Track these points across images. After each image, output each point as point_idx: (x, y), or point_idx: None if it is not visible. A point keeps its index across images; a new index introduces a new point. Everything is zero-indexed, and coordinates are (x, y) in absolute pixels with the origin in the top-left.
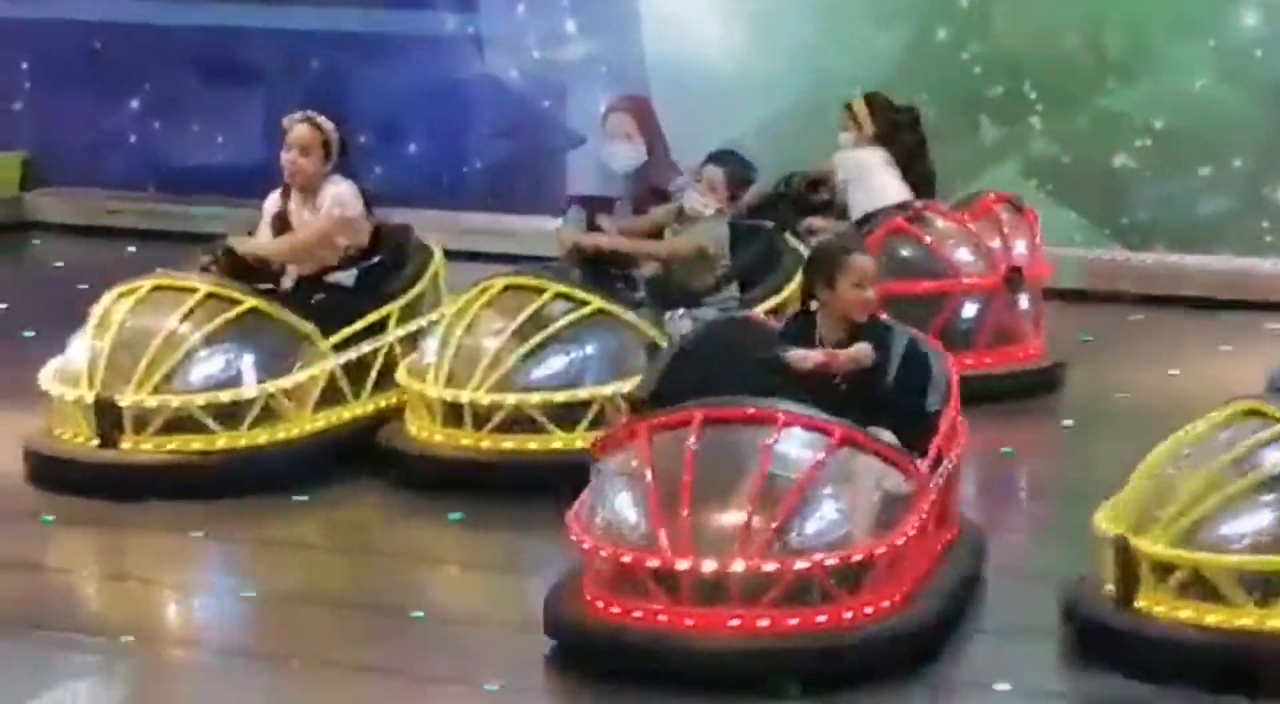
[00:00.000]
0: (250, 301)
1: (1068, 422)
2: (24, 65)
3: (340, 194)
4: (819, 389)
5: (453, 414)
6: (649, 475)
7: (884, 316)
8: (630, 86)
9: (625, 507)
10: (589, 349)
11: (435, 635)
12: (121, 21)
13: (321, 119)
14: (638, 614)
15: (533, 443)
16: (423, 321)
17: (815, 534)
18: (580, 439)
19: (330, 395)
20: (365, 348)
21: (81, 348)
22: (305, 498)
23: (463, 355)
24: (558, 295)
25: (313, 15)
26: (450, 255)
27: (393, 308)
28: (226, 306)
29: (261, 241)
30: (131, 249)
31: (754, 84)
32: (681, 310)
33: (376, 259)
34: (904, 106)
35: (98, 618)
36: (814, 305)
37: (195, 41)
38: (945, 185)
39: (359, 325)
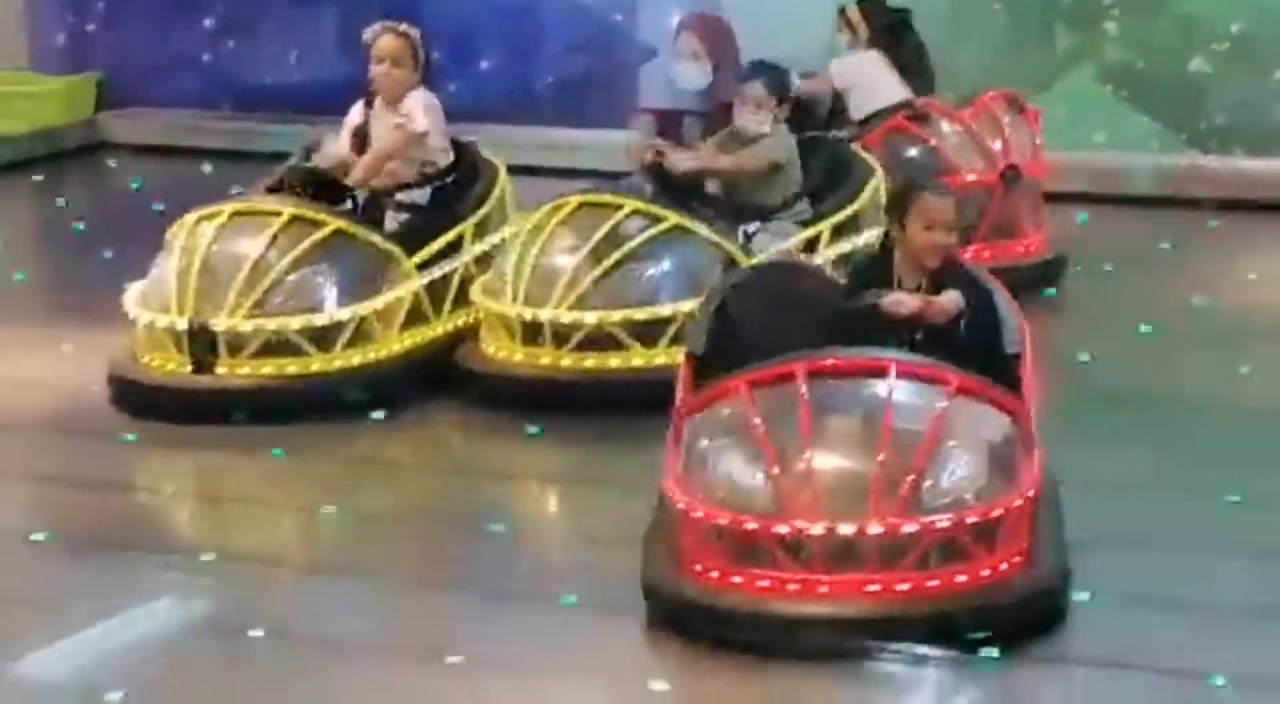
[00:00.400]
0: (335, 223)
1: (1145, 328)
2: None
3: (412, 107)
4: (896, 336)
5: (531, 333)
6: (761, 434)
7: (963, 259)
8: (702, 2)
9: (736, 469)
10: (667, 265)
11: (514, 550)
12: None
13: (406, 27)
14: (763, 582)
15: (614, 360)
16: (495, 239)
17: (949, 489)
18: (662, 355)
19: (414, 315)
20: (446, 267)
21: (167, 273)
22: (386, 417)
23: (540, 274)
24: (634, 212)
25: None
26: (523, 171)
27: (466, 226)
28: (311, 229)
29: (340, 158)
30: (207, 168)
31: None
32: (756, 224)
33: (450, 177)
34: (898, 7)
35: (181, 536)
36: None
37: None
38: (1021, 90)
39: (437, 244)
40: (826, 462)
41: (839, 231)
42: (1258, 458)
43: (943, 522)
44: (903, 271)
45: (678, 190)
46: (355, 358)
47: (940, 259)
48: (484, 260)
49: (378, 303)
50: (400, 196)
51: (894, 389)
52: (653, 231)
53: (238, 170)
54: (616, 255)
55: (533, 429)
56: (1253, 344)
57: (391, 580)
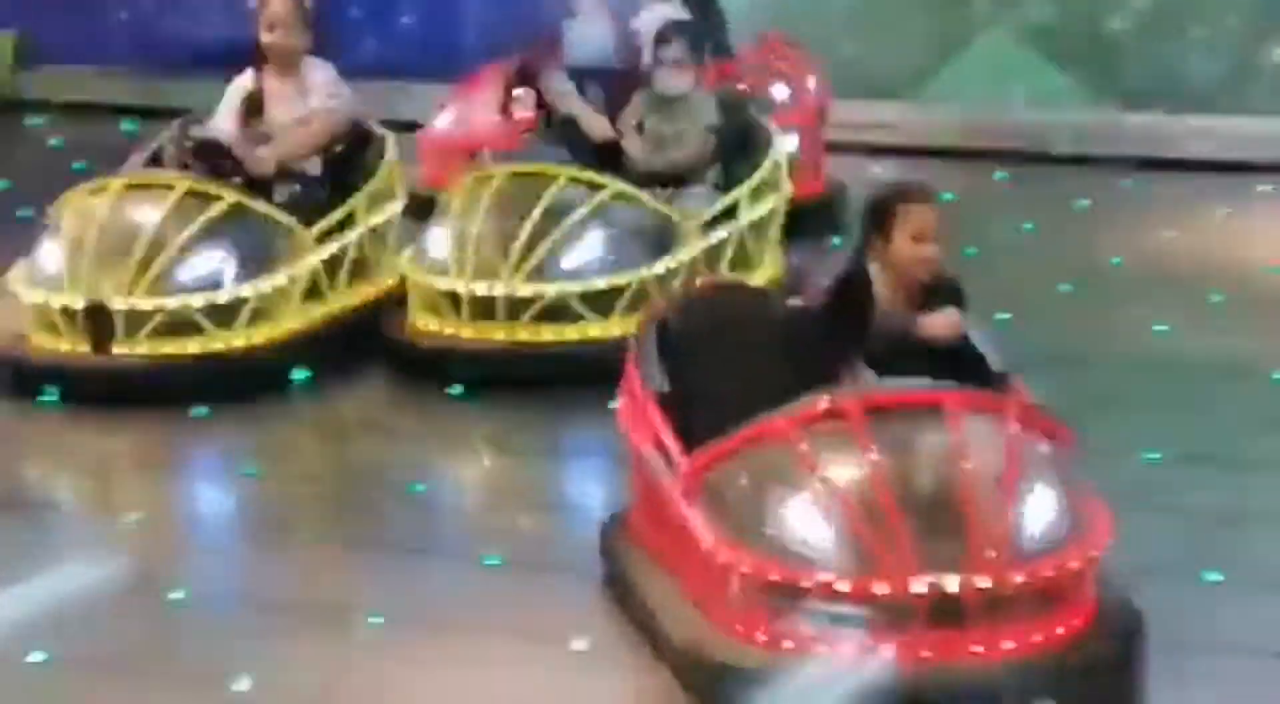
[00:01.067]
0: (232, 197)
1: (1065, 287)
2: None
3: (331, 82)
4: (913, 364)
5: (482, 308)
6: (829, 486)
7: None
8: None
9: (805, 525)
10: (616, 232)
11: (437, 510)
12: None
13: None
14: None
15: (570, 332)
16: (389, 212)
17: (1040, 537)
18: (616, 326)
19: (310, 290)
20: (341, 241)
21: (57, 250)
22: (296, 391)
23: (486, 247)
24: (570, 180)
25: None
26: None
27: (359, 198)
28: (207, 204)
29: (279, 146)
30: (126, 125)
31: None
32: (671, 190)
33: (339, 148)
34: None
35: (101, 499)
36: (870, 262)
37: None
38: (939, 51)
39: (334, 217)
40: (910, 512)
41: (754, 197)
42: (1175, 416)
43: (1045, 571)
44: (884, 288)
45: (593, 157)
46: (257, 335)
47: (932, 272)
48: (375, 234)
49: (280, 279)
50: (294, 168)
51: (963, 425)
52: (598, 199)
53: (156, 127)
54: (568, 224)
55: (455, 389)
56: (1169, 301)
57: (311, 541)
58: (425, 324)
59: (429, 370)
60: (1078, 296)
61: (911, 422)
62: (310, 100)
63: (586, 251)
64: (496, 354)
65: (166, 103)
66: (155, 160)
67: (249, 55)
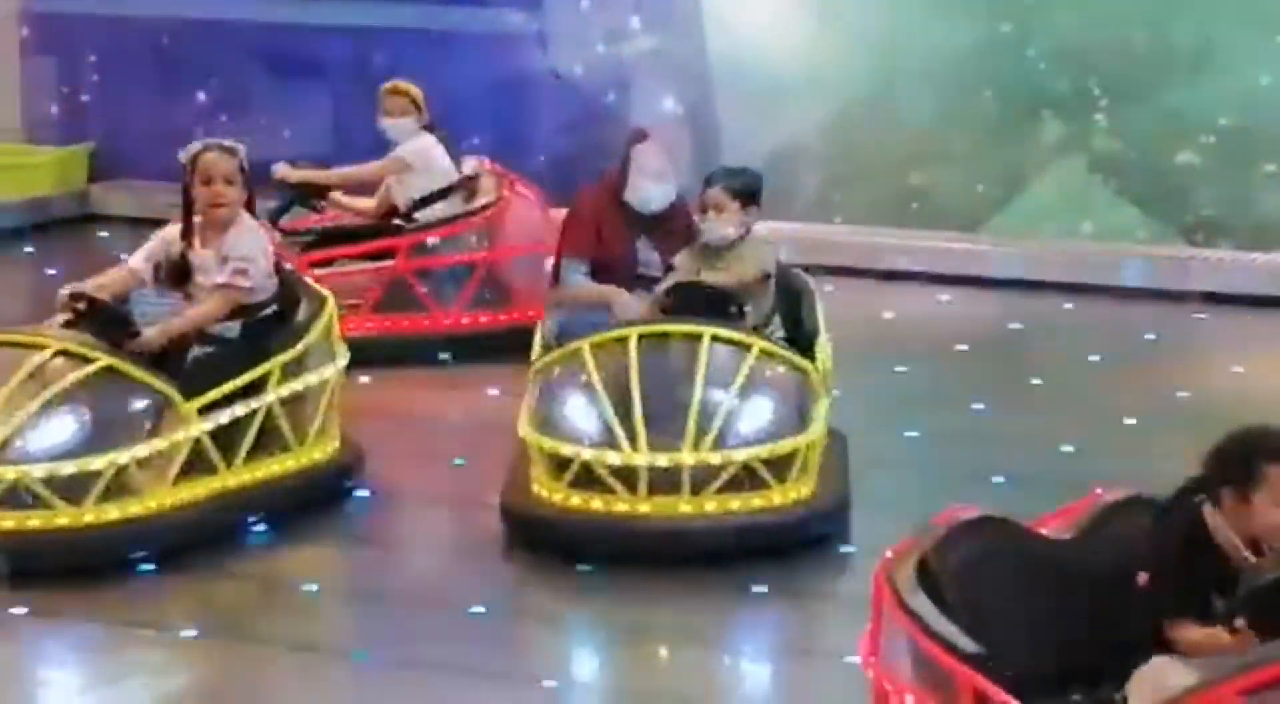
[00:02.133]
0: (104, 360)
1: (1130, 421)
2: (91, 58)
3: (249, 250)
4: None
5: (663, 480)
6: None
7: None
8: (692, 82)
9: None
10: (771, 396)
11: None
12: (188, 16)
13: (231, 142)
14: None
15: (756, 500)
16: (314, 378)
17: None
18: (794, 490)
19: (198, 464)
20: (239, 410)
21: None
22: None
23: (655, 413)
24: (714, 339)
25: (377, 12)
26: None
27: (274, 364)
28: (77, 365)
29: (167, 327)
30: None
31: (816, 79)
32: None
33: (269, 309)
34: None
35: None
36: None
37: (261, 37)
38: (1013, 183)
39: (232, 385)
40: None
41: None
42: None
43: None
44: (1227, 539)
45: (709, 308)
46: (112, 512)
47: None
48: (295, 401)
49: (139, 450)
50: (209, 328)
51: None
52: (751, 359)
53: None
54: (735, 387)
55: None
56: None
57: None
58: (596, 503)
59: (634, 552)
60: (1142, 428)
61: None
62: (219, 274)
63: (760, 414)
64: (696, 531)
65: None
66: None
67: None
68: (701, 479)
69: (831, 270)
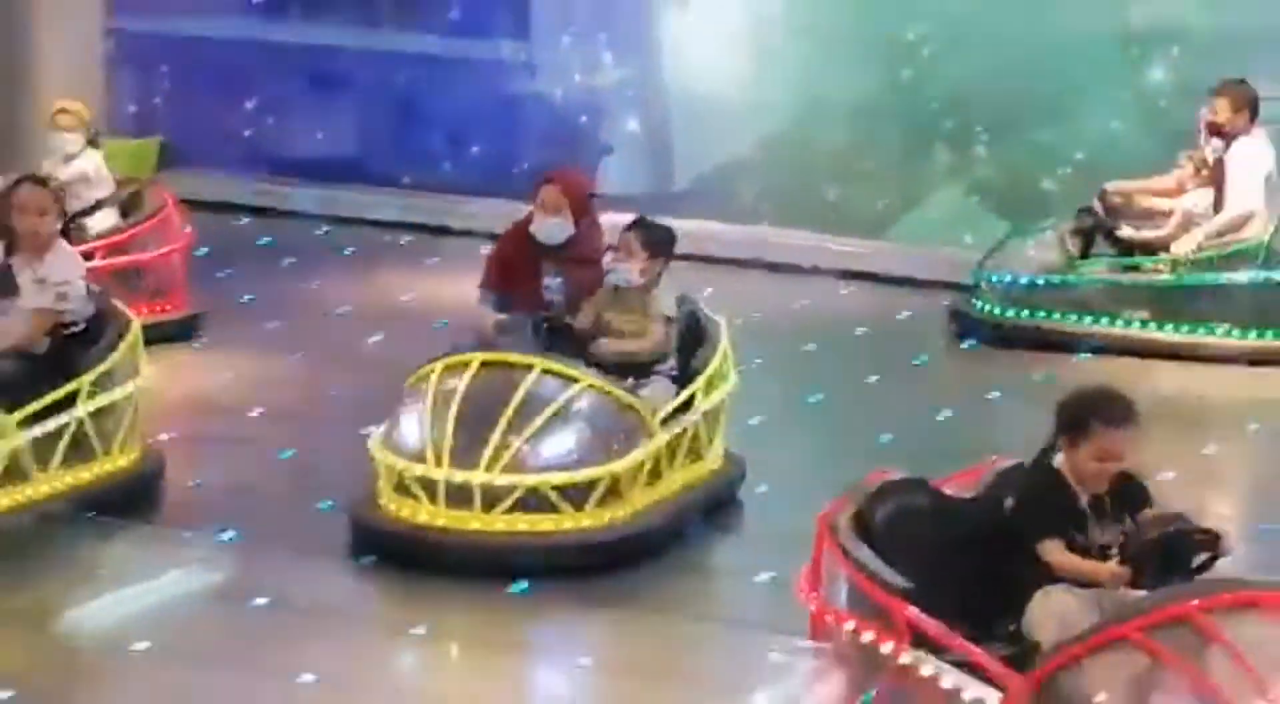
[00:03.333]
0: None
1: (994, 395)
2: (163, 69)
3: (67, 272)
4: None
5: (459, 495)
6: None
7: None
8: (652, 107)
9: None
10: (587, 425)
11: None
12: (242, 37)
13: (44, 174)
14: None
15: (545, 523)
16: (119, 393)
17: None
18: (588, 518)
19: (11, 473)
20: (50, 425)
21: None
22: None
23: (464, 435)
24: (544, 371)
25: (397, 38)
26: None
27: (84, 380)
28: None
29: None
30: (243, 221)
31: (754, 108)
32: (632, 380)
33: (77, 328)
34: None
35: None
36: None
37: (301, 55)
38: (908, 202)
39: (46, 400)
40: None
41: (707, 388)
42: None
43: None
44: (1075, 485)
45: (566, 347)
46: None
47: (1108, 483)
48: (102, 414)
49: None
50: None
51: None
52: (571, 392)
53: (267, 224)
54: (541, 418)
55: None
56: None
57: None
58: (397, 508)
59: (408, 557)
60: (1006, 404)
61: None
62: (39, 296)
63: (562, 443)
64: (478, 546)
65: (278, 204)
66: None
67: (342, 169)
68: (493, 498)
69: (762, 265)
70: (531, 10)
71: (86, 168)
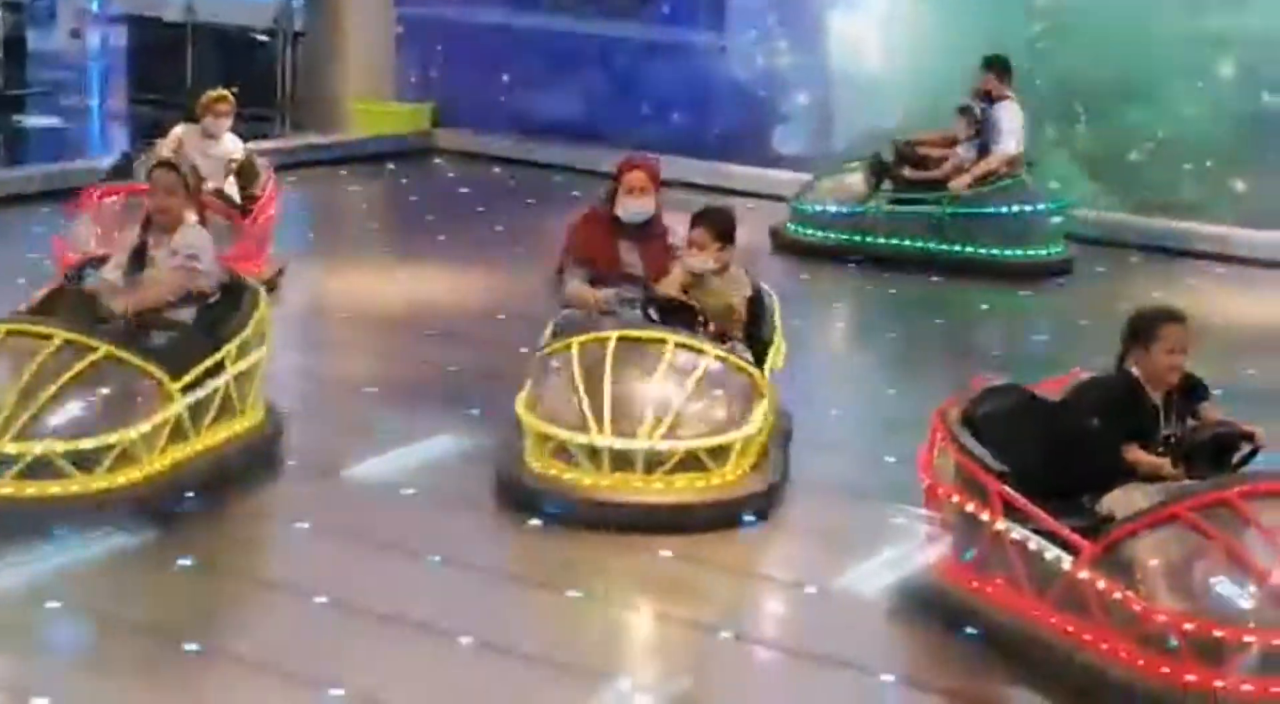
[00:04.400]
0: (104, 348)
1: (1041, 337)
2: (438, 48)
3: (194, 243)
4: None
5: (621, 460)
6: (1242, 552)
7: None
8: (816, 84)
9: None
10: (722, 392)
11: None
12: (502, 23)
13: (175, 159)
14: None
15: (699, 482)
16: (254, 358)
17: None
18: (731, 473)
19: (174, 433)
20: (209, 387)
21: None
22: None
23: (621, 404)
24: (678, 345)
25: (617, 26)
26: (701, 189)
27: (229, 348)
28: (82, 353)
29: (134, 298)
30: (496, 170)
31: (900, 86)
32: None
33: (214, 298)
34: None
35: None
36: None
37: (544, 38)
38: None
39: (203, 366)
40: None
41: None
42: None
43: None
44: (1146, 386)
45: (675, 317)
46: (120, 478)
47: (1179, 376)
48: (241, 378)
49: (145, 428)
50: (168, 315)
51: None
52: (705, 363)
53: (516, 173)
54: (690, 384)
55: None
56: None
57: None
58: (544, 468)
59: (585, 520)
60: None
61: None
62: (174, 260)
63: (706, 410)
64: (646, 507)
65: (528, 157)
66: (47, 304)
67: (578, 130)
68: (653, 462)
69: None
70: (726, 6)
71: (236, 150)
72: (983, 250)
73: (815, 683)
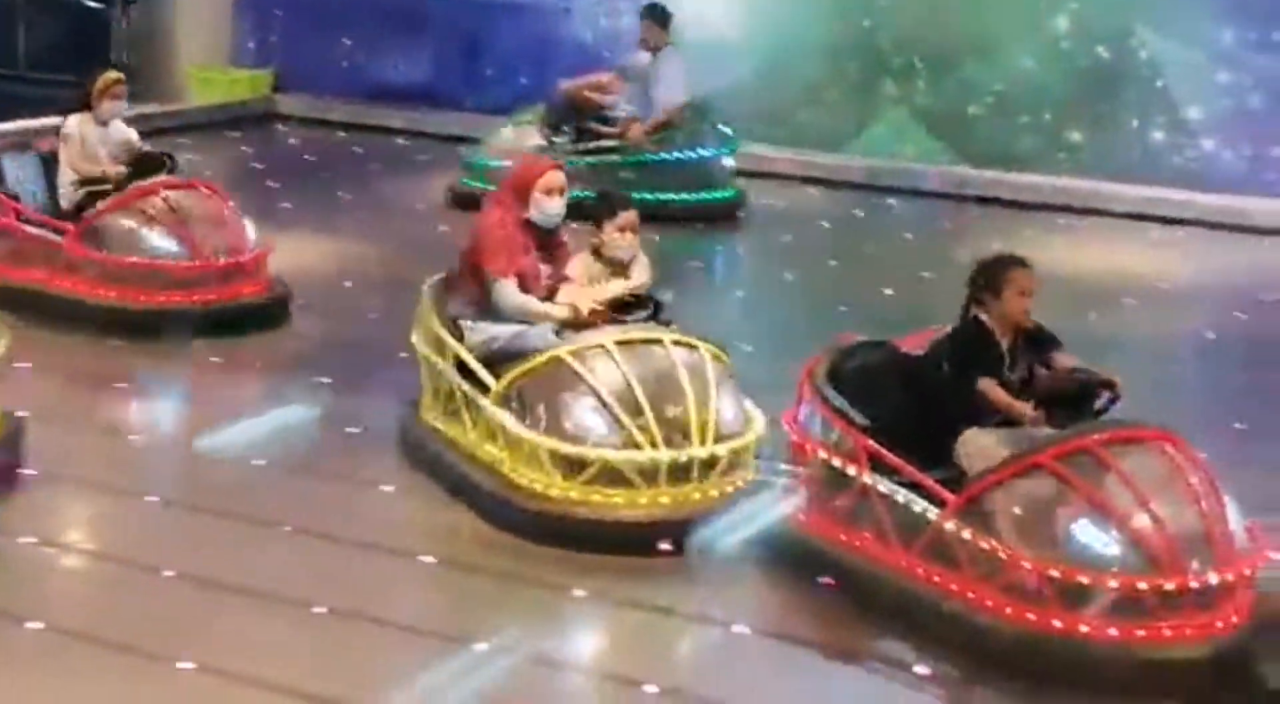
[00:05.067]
0: None
1: (927, 273)
2: (278, 12)
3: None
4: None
5: (679, 471)
6: (1108, 497)
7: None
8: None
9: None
10: (731, 385)
11: None
12: None
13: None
14: None
15: (740, 481)
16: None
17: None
18: (750, 473)
19: None
20: None
21: None
22: None
23: (663, 415)
24: (674, 343)
25: None
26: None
27: None
28: None
29: None
30: (340, 135)
31: (744, 48)
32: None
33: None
34: None
35: None
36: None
37: (386, 2)
38: (855, 127)
39: None
40: (1174, 516)
41: None
42: None
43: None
44: (995, 329)
45: (629, 313)
46: None
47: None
48: None
49: None
50: None
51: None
52: (724, 366)
53: (361, 138)
54: (713, 385)
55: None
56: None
57: None
58: (621, 498)
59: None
60: (935, 282)
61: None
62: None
63: (733, 404)
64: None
65: (369, 121)
66: None
67: (418, 95)
68: (705, 469)
69: (747, 174)
70: None
71: (132, 133)
72: (665, 196)
73: (682, 637)
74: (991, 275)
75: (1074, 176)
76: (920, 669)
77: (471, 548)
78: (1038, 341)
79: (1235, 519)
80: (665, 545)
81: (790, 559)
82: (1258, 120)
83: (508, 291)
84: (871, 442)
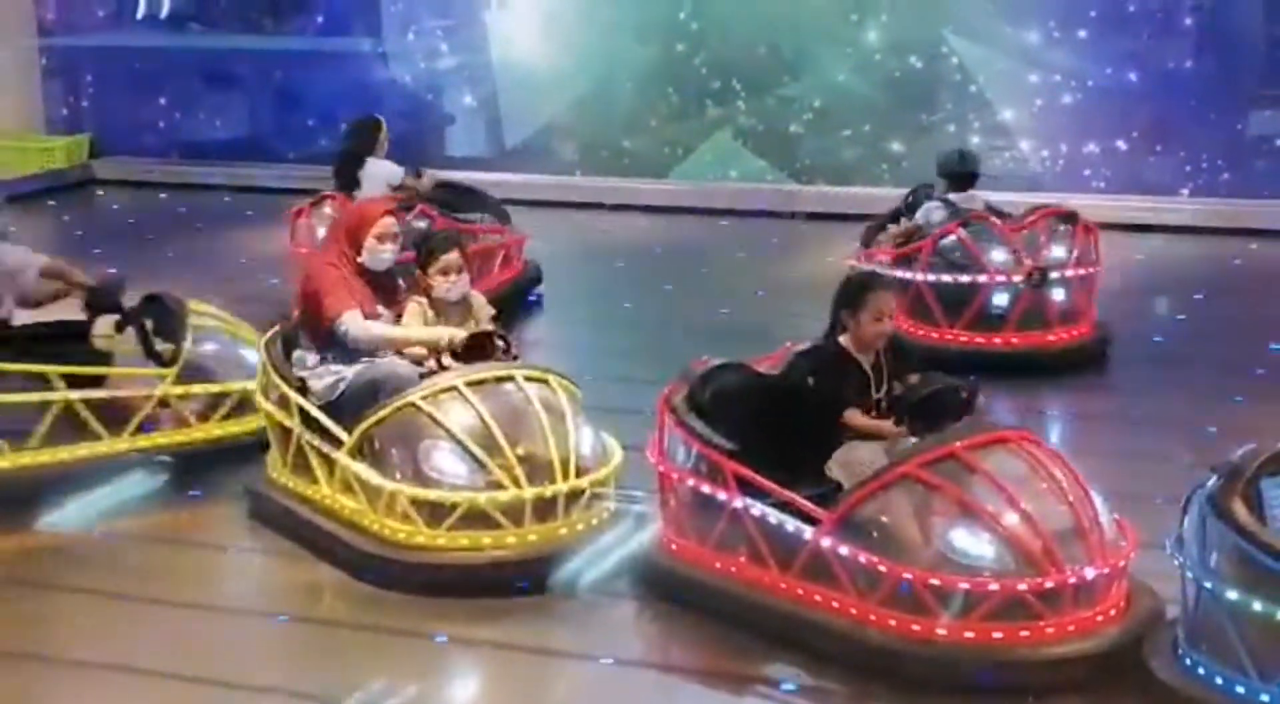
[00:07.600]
0: None
1: (761, 293)
2: (88, 77)
3: None
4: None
5: (544, 508)
6: (981, 504)
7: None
8: (482, 84)
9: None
10: (584, 415)
11: None
12: (153, 46)
13: None
14: None
15: (596, 518)
16: None
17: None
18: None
19: None
20: None
21: None
22: None
23: (527, 452)
24: (526, 378)
25: (275, 40)
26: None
27: None
28: None
29: None
30: (162, 196)
31: (563, 80)
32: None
33: None
34: None
35: None
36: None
37: (200, 59)
38: (681, 152)
39: None
40: (1045, 513)
41: None
42: None
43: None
44: (856, 355)
45: (474, 354)
46: None
47: (887, 341)
48: None
49: None
50: None
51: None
52: (570, 394)
53: (184, 198)
54: (569, 418)
55: None
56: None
57: None
58: (485, 539)
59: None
60: (771, 298)
61: (1004, 452)
62: None
63: (589, 436)
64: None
65: (190, 180)
66: None
67: (237, 151)
68: (568, 505)
69: (573, 205)
70: (381, 10)
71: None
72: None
73: (553, 674)
74: (849, 297)
75: (897, 186)
76: (800, 685)
77: (328, 603)
78: (899, 354)
79: (1104, 512)
80: (522, 584)
81: (662, 589)
82: (1070, 117)
83: (358, 322)
84: (738, 465)
